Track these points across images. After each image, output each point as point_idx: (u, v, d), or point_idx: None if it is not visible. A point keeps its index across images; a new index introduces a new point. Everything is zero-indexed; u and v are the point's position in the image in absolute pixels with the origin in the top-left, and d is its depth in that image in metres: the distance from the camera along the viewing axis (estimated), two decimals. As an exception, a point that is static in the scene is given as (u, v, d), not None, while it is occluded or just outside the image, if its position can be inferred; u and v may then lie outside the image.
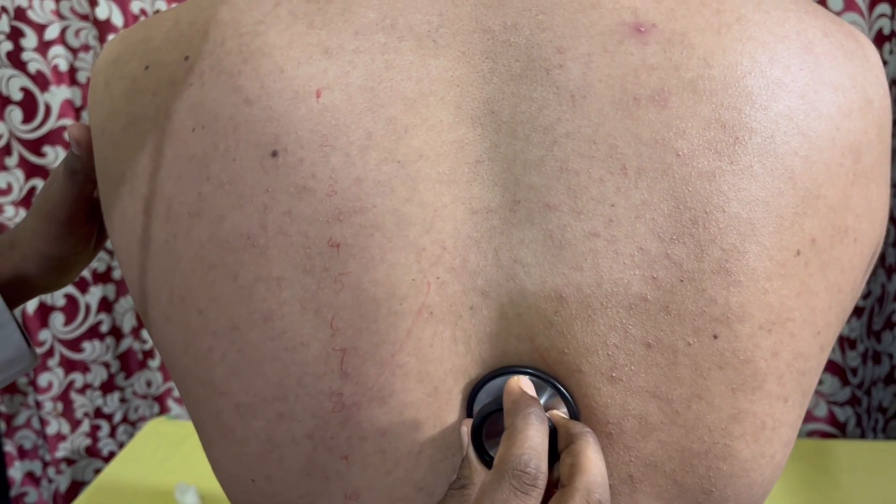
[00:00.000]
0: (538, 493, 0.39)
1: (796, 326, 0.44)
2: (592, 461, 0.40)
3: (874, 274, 1.69)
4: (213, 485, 0.60)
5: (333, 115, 0.43)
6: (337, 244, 0.42)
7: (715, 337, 0.43)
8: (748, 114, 0.42)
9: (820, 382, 1.74)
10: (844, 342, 1.72)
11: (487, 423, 0.44)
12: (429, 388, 0.44)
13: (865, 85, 0.46)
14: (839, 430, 1.77)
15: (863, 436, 1.77)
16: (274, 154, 0.43)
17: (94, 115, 0.49)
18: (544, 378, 0.44)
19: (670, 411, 0.43)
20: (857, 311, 1.71)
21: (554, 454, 0.42)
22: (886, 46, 1.57)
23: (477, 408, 0.44)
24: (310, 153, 0.42)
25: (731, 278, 0.42)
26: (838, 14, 1.54)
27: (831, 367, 1.73)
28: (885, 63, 1.58)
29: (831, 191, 0.44)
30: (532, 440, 0.40)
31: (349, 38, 0.44)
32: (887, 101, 0.48)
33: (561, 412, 0.44)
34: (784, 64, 0.43)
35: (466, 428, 0.43)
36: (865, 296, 1.70)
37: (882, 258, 1.69)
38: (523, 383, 0.43)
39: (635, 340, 0.43)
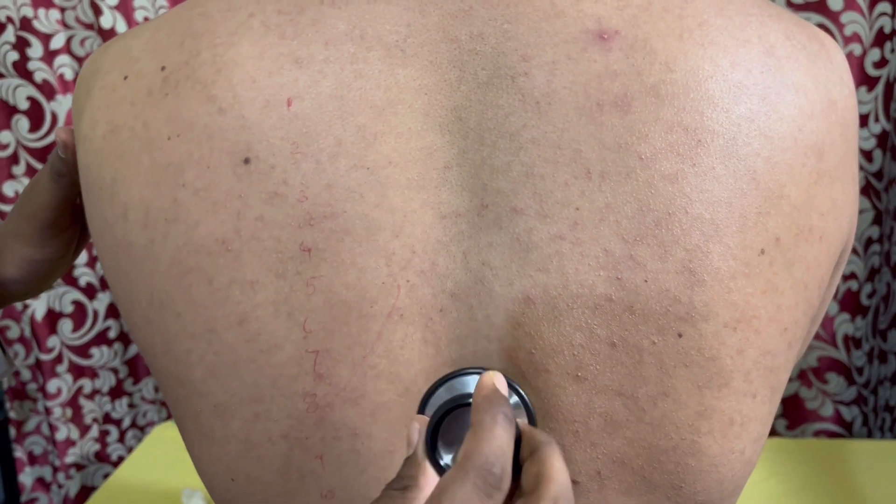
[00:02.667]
0: (501, 497, 0.37)
1: (762, 324, 0.45)
2: (559, 470, 0.38)
3: (879, 272, 1.69)
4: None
5: (304, 123, 0.44)
6: (308, 248, 0.43)
7: (679, 335, 0.43)
8: (710, 117, 0.43)
9: (826, 382, 1.74)
10: (850, 341, 1.71)
11: (443, 423, 0.43)
12: (400, 389, 0.45)
13: (828, 86, 0.47)
14: (845, 429, 1.76)
15: (869, 435, 1.77)
16: (246, 161, 0.43)
17: (76, 124, 0.51)
18: (509, 382, 0.44)
19: (636, 409, 0.44)
20: (863, 310, 1.70)
21: (515, 461, 0.40)
22: (887, 45, 1.57)
23: (431, 408, 0.45)
24: (281, 160, 0.43)
25: (695, 278, 0.43)
26: (838, 13, 1.54)
27: (837, 366, 1.73)
28: (885, 62, 1.58)
29: (794, 190, 0.45)
30: (500, 440, 0.38)
31: (319, 49, 0.45)
32: (852, 101, 0.49)
33: (520, 419, 0.43)
34: (745, 67, 0.44)
35: (418, 425, 0.42)
36: (871, 294, 1.70)
37: (887, 257, 1.68)
38: (497, 380, 0.42)
39: (600, 340, 0.44)
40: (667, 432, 0.44)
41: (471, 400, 0.42)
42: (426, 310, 0.45)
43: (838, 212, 0.48)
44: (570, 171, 0.43)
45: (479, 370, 0.44)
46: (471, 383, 0.44)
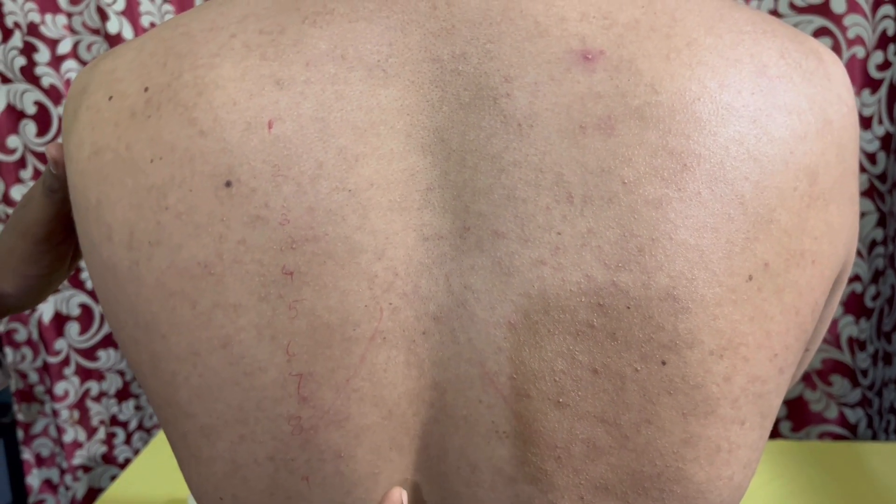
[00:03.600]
0: None
1: (750, 351, 0.44)
2: None
3: (883, 274, 1.68)
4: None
5: (285, 145, 0.43)
6: (290, 272, 0.44)
7: (663, 363, 0.43)
8: (696, 140, 0.42)
9: (830, 384, 1.74)
10: (854, 343, 1.71)
11: None
12: (384, 412, 0.45)
13: (824, 105, 0.46)
14: (850, 431, 1.76)
15: (874, 437, 1.76)
16: (228, 184, 0.44)
17: (65, 142, 0.51)
18: None
19: (619, 436, 0.44)
20: (867, 313, 1.70)
21: None
22: (891, 48, 1.56)
23: None
24: (262, 183, 0.43)
25: (679, 305, 0.42)
26: (841, 16, 1.54)
27: (841, 368, 1.73)
28: (889, 64, 1.57)
29: (785, 215, 0.44)
30: None
31: (300, 70, 0.44)
32: (851, 118, 0.47)
33: None
34: (735, 88, 0.43)
35: None
36: (875, 297, 1.70)
37: (892, 259, 1.68)
38: (405, 496, 0.46)
39: (582, 366, 0.43)
40: (651, 459, 0.44)
41: None
42: (409, 332, 0.45)
43: (834, 234, 0.46)
44: (551, 195, 0.43)
45: None
46: None
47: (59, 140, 0.55)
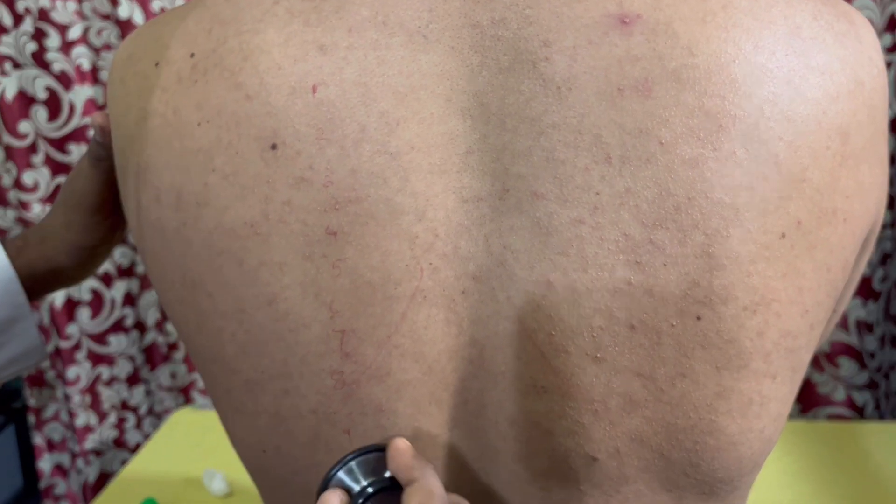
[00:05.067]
0: None
1: (782, 307, 0.45)
2: None
3: (892, 257, 1.69)
4: (240, 471, 0.63)
5: (328, 109, 0.45)
6: (334, 232, 0.45)
7: (698, 318, 0.44)
8: (732, 101, 0.43)
9: (838, 366, 1.75)
10: (862, 326, 1.72)
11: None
12: (424, 368, 0.46)
13: (856, 67, 0.46)
14: (857, 413, 1.77)
15: (881, 419, 1.77)
16: (273, 147, 0.45)
17: (111, 110, 0.52)
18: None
19: (654, 389, 0.45)
20: (874, 295, 1.71)
21: None
22: (900, 31, 1.57)
23: (335, 485, 0.46)
24: (307, 146, 0.44)
25: (714, 262, 0.43)
26: (850, -1, 1.54)
27: (849, 350, 1.73)
28: (898, 48, 1.58)
29: (817, 174, 0.44)
30: (444, 492, 0.44)
31: (343, 36, 0.45)
32: (881, 80, 0.48)
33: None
34: (769, 50, 0.44)
35: (340, 498, 0.46)
36: (883, 279, 1.70)
37: (899, 243, 1.69)
38: (408, 444, 0.46)
39: (619, 322, 0.44)
40: (685, 412, 0.45)
41: (386, 482, 0.46)
42: (449, 291, 0.46)
43: (864, 194, 0.47)
44: (590, 156, 0.43)
45: (380, 447, 0.46)
46: (373, 462, 0.46)
47: (104, 111, 0.56)
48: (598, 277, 0.44)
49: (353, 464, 0.46)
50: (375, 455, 0.46)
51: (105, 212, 0.63)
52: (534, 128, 0.44)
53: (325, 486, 0.46)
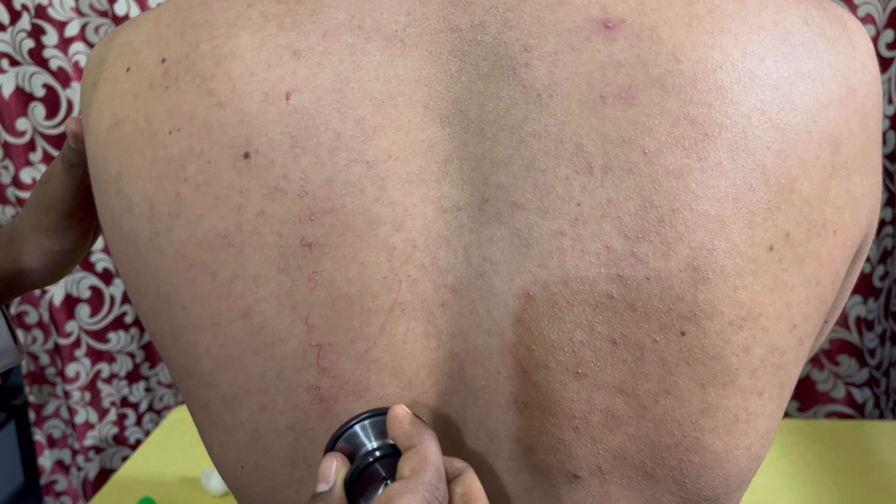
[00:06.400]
0: None
1: (770, 321, 0.44)
2: (482, 491, 0.42)
3: (892, 254, 1.68)
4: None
5: (303, 116, 0.43)
6: (309, 243, 0.44)
7: (682, 334, 0.43)
8: (718, 109, 0.41)
9: (838, 364, 1.74)
10: (862, 323, 1.71)
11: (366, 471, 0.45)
12: (403, 382, 0.45)
13: (848, 73, 0.45)
14: (857, 411, 1.76)
15: (881, 417, 1.76)
16: (246, 156, 0.44)
17: (84, 116, 0.51)
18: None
19: (637, 406, 0.44)
20: (875, 293, 1.70)
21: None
22: (902, 26, 1.55)
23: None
24: (280, 154, 0.43)
25: (700, 276, 0.42)
26: (853, -5, 1.53)
27: (849, 348, 1.73)
28: (900, 43, 1.57)
29: (806, 184, 0.43)
30: (439, 459, 0.42)
31: (318, 40, 0.44)
32: (874, 87, 0.46)
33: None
34: (758, 56, 0.42)
35: (336, 463, 0.44)
36: (883, 277, 1.70)
37: (901, 240, 1.68)
38: (406, 410, 0.44)
39: (601, 337, 0.43)
40: (669, 429, 0.44)
41: (388, 449, 0.44)
42: (427, 304, 0.45)
43: (855, 204, 0.46)
44: (571, 166, 0.42)
45: (383, 410, 0.45)
46: (379, 426, 0.45)
47: (77, 115, 0.55)
48: (579, 291, 0.43)
49: (367, 422, 0.45)
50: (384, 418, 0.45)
51: (77, 216, 0.62)
52: (514, 136, 0.43)
53: (336, 439, 0.45)
